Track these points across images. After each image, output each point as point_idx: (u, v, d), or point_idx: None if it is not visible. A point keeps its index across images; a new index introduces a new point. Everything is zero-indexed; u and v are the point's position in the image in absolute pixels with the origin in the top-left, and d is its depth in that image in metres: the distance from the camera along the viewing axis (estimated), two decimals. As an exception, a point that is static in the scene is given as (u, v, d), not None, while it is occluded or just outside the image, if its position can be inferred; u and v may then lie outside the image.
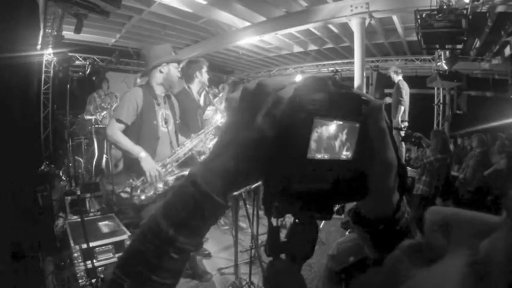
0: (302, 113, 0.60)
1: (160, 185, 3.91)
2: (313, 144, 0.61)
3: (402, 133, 9.21)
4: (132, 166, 3.88)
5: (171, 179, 4.00)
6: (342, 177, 0.66)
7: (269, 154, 0.61)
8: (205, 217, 0.67)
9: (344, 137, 0.64)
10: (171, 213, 0.67)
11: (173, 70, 4.17)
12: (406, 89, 9.69)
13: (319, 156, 0.63)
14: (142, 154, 3.80)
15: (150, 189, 3.87)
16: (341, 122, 0.63)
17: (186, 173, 4.01)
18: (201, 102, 6.03)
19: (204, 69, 5.56)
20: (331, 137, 0.62)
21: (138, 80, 5.07)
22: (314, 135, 0.61)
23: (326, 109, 0.61)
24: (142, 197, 3.84)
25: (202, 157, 4.54)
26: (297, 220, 0.76)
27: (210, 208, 0.66)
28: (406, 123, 9.91)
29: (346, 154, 0.66)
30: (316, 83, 0.63)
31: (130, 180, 3.84)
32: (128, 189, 3.83)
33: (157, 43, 4.66)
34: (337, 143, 0.63)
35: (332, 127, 0.62)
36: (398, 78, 9.97)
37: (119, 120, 3.86)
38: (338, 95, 0.63)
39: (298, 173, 0.62)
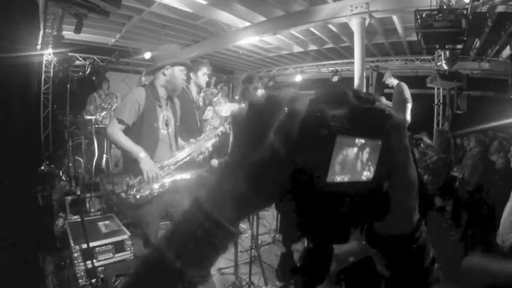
0: (323, 129, 0.55)
1: (156, 187, 3.90)
2: (333, 166, 0.57)
3: None
4: (131, 166, 3.87)
5: (167, 181, 4.00)
6: (362, 200, 0.62)
7: (283, 176, 0.57)
8: (217, 247, 0.61)
9: (366, 156, 0.59)
10: (178, 243, 0.62)
11: (177, 73, 4.10)
12: (407, 89, 9.75)
13: (339, 178, 0.58)
14: (141, 154, 3.78)
15: (146, 189, 3.86)
16: (363, 140, 0.59)
17: (183, 176, 4.02)
18: (201, 102, 6.01)
19: (202, 72, 5.54)
20: (352, 157, 0.58)
21: (143, 79, 5.05)
22: (335, 156, 0.56)
23: (348, 126, 0.56)
24: (138, 196, 3.83)
25: (201, 157, 4.54)
26: (311, 244, 0.72)
27: (222, 237, 0.61)
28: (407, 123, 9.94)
29: (367, 174, 0.60)
30: (336, 95, 0.59)
31: (127, 178, 3.83)
32: (125, 187, 3.83)
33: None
34: (358, 163, 0.59)
35: (354, 146, 0.58)
36: (396, 81, 10.01)
37: (120, 120, 3.84)
38: (360, 109, 0.59)
39: (316, 198, 0.58)
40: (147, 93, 4.00)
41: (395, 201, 0.63)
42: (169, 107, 4.27)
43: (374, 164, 0.60)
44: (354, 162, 0.58)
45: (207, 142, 4.47)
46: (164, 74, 4.06)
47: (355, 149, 0.58)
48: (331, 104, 0.57)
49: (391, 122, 0.60)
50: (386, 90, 11.73)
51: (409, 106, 9.67)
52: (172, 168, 4.04)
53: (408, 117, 9.73)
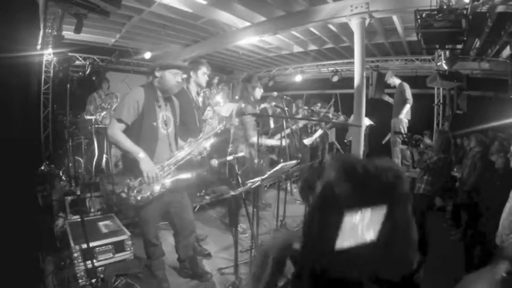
0: (333, 209, 0.59)
1: (157, 187, 3.93)
2: (341, 235, 0.60)
3: (400, 137, 9.29)
4: (131, 166, 3.88)
5: (168, 181, 4.02)
6: (368, 260, 0.65)
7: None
8: None
9: (371, 221, 0.64)
10: None
11: (168, 76, 4.12)
12: (409, 89, 9.77)
13: (346, 244, 0.62)
14: (141, 155, 3.80)
15: (147, 190, 3.88)
16: (369, 209, 0.62)
17: (183, 176, 4.03)
18: (200, 103, 6.01)
19: (202, 71, 5.54)
20: (358, 224, 0.62)
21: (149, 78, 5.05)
22: (343, 227, 0.60)
23: (356, 200, 0.60)
24: (139, 198, 3.86)
25: (199, 157, 4.55)
26: None
27: None
28: (407, 122, 9.96)
29: (371, 237, 0.65)
30: (345, 173, 0.62)
31: (128, 180, 3.85)
32: (125, 189, 3.84)
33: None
34: (364, 228, 0.63)
35: (361, 215, 0.61)
36: (398, 80, 10.03)
37: (119, 120, 3.86)
38: (367, 182, 0.62)
39: (327, 265, 0.61)
40: (146, 93, 4.02)
41: (396, 256, 0.66)
42: (168, 107, 4.30)
43: (378, 227, 0.64)
44: (359, 228, 0.62)
45: (205, 142, 4.48)
46: (155, 76, 4.11)
47: (361, 217, 0.61)
48: (341, 183, 0.60)
49: (396, 194, 0.63)
50: (387, 90, 11.79)
51: (408, 107, 9.72)
52: (172, 168, 4.07)
53: (402, 116, 9.76)
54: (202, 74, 5.56)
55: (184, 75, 4.51)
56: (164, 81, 4.12)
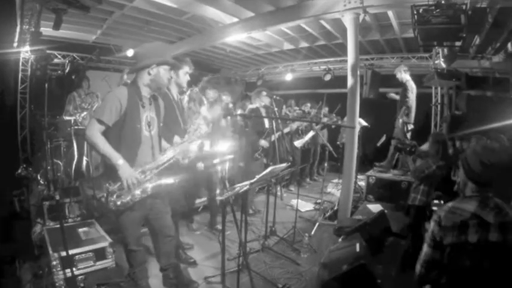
0: None
1: (138, 192, 3.92)
2: None
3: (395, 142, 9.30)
4: (111, 170, 3.86)
5: (149, 186, 4.02)
6: None
7: None
8: None
9: None
10: None
11: (163, 72, 4.13)
12: (414, 91, 9.79)
13: None
14: (120, 162, 3.79)
15: (127, 195, 3.88)
16: None
17: (165, 181, 4.03)
18: (186, 103, 5.97)
19: (183, 70, 5.47)
20: None
21: (125, 77, 4.99)
22: None
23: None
24: (118, 203, 3.86)
25: (187, 160, 4.55)
26: None
27: None
28: (412, 126, 10.03)
29: None
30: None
31: (107, 185, 3.84)
32: (105, 194, 3.83)
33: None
34: None
35: None
36: (406, 78, 10.03)
37: (99, 121, 3.82)
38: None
39: None
40: (129, 92, 3.99)
41: None
42: (152, 107, 4.28)
43: None
44: None
45: (191, 144, 4.48)
46: (149, 73, 4.07)
47: None
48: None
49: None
50: (384, 89, 11.80)
51: (403, 109, 9.71)
52: (154, 172, 4.07)
53: (400, 119, 9.78)
54: (184, 74, 5.50)
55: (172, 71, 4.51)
56: (159, 79, 4.12)
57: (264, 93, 8.38)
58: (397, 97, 10.53)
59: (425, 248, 2.97)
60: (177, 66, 4.56)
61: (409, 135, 9.96)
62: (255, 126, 8.18)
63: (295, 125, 10.31)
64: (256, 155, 8.05)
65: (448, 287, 2.88)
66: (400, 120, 9.84)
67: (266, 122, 8.41)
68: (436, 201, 5.72)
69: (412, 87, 9.94)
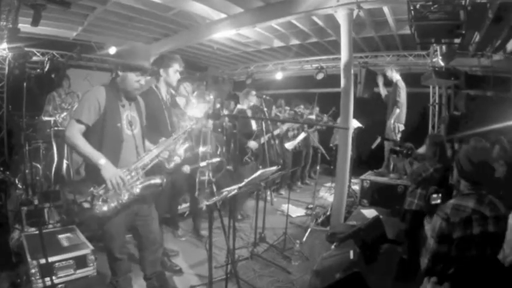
0: None
1: (124, 194, 3.89)
2: None
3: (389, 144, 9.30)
4: (94, 173, 3.81)
5: (137, 187, 3.99)
6: None
7: None
8: None
9: None
10: None
11: (130, 77, 4.06)
12: (404, 91, 9.79)
13: None
14: (102, 161, 3.74)
15: (114, 198, 3.84)
16: None
17: (154, 181, 4.01)
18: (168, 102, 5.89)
19: (174, 68, 5.40)
20: None
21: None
22: None
23: None
24: (105, 208, 3.80)
25: (172, 164, 4.54)
26: None
27: None
28: (402, 126, 10.05)
29: None
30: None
31: (92, 189, 3.78)
32: (89, 199, 3.80)
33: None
34: None
35: None
36: (396, 77, 10.03)
37: (79, 121, 3.80)
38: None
39: None
40: (107, 91, 3.99)
41: None
42: (133, 107, 4.28)
43: None
44: None
45: (177, 145, 4.47)
46: (118, 75, 4.07)
47: None
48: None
49: None
50: (377, 90, 11.80)
51: (397, 111, 9.72)
52: (141, 173, 4.05)
53: (392, 120, 9.79)
54: (174, 72, 5.42)
55: (148, 77, 4.45)
56: (125, 83, 4.07)
57: (253, 92, 8.37)
58: (385, 92, 10.55)
59: (432, 243, 3.38)
60: (147, 71, 4.41)
61: (399, 136, 9.99)
62: (242, 129, 8.15)
63: (285, 127, 10.31)
64: (246, 158, 8.04)
65: (456, 276, 3.29)
66: (392, 121, 9.83)
67: (253, 123, 8.41)
68: (434, 195, 5.70)
69: (403, 86, 9.98)
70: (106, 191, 3.81)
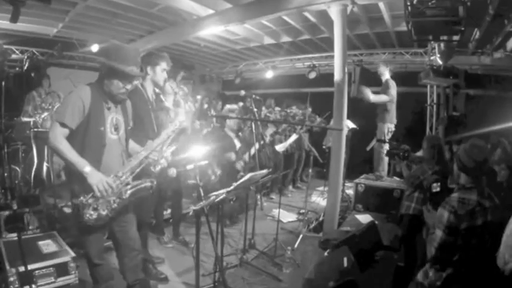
0: None
1: (114, 199, 3.85)
2: None
3: (387, 146, 9.28)
4: (77, 178, 3.77)
5: (127, 192, 3.95)
6: None
7: None
8: None
9: None
10: None
11: (115, 85, 4.00)
12: (394, 89, 9.78)
13: None
14: (87, 169, 3.70)
15: (103, 205, 3.80)
16: None
17: (144, 185, 4.00)
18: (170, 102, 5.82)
19: (161, 67, 5.40)
20: None
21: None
22: None
23: None
24: (94, 216, 3.76)
25: (158, 168, 4.52)
26: None
27: None
28: (393, 128, 10.02)
29: None
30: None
31: (81, 198, 3.72)
32: (72, 202, 3.78)
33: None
34: None
35: None
36: (386, 76, 10.04)
37: (62, 124, 3.74)
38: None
39: None
40: (93, 91, 3.93)
41: None
42: (119, 109, 4.23)
43: None
44: None
45: (164, 147, 4.44)
46: (104, 78, 4.01)
47: None
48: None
49: None
50: (372, 89, 11.82)
51: (384, 109, 9.69)
52: (130, 178, 4.01)
53: (383, 120, 9.77)
54: (161, 71, 5.43)
55: (136, 82, 4.41)
56: (110, 86, 4.00)
57: (243, 92, 8.37)
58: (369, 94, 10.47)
59: (441, 234, 3.75)
60: (132, 77, 4.33)
61: (388, 138, 9.88)
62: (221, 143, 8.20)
63: (270, 131, 10.30)
64: (242, 174, 8.07)
65: (461, 261, 3.78)
66: (387, 125, 9.82)
67: (237, 142, 8.48)
68: (434, 184, 5.71)
69: (393, 85, 9.99)
70: (95, 199, 3.77)
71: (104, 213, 3.81)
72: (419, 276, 4.14)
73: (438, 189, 5.31)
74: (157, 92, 5.62)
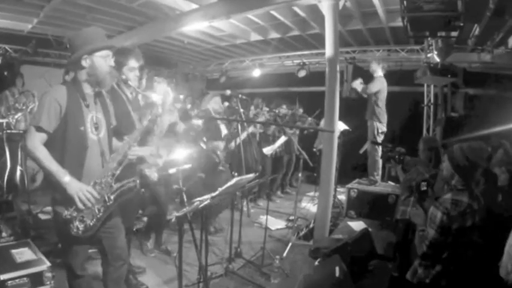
0: None
1: (99, 208, 3.81)
2: None
3: (380, 148, 9.30)
4: (50, 182, 3.71)
5: (111, 197, 3.89)
6: None
7: None
8: None
9: None
10: None
11: (99, 62, 3.91)
12: (381, 84, 9.88)
13: None
14: (66, 179, 3.63)
15: (89, 216, 3.75)
16: None
17: (128, 185, 3.98)
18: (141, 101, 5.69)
19: (128, 67, 5.24)
20: None
21: (66, 77, 4.83)
22: None
23: None
24: (81, 228, 3.72)
25: (145, 165, 4.51)
26: None
27: None
28: (384, 128, 10.07)
29: None
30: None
31: (65, 212, 3.66)
32: (48, 209, 3.77)
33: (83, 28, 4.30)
34: None
35: None
36: (379, 73, 10.06)
37: (39, 129, 3.67)
38: None
39: None
40: (68, 91, 3.86)
41: None
42: (99, 107, 4.17)
43: None
44: None
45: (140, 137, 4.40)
46: (83, 66, 3.90)
47: None
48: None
49: None
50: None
51: (375, 109, 9.70)
52: (111, 181, 3.95)
53: (372, 119, 9.78)
54: (130, 71, 5.26)
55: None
56: (95, 70, 3.90)
57: (228, 91, 8.37)
58: (361, 87, 10.43)
59: (433, 234, 4.06)
60: (114, 47, 4.25)
61: (379, 139, 9.99)
62: (208, 133, 8.17)
63: (250, 129, 10.24)
64: (221, 167, 8.06)
65: (450, 259, 4.07)
66: (373, 122, 9.85)
67: (223, 128, 8.44)
68: (423, 183, 5.73)
69: (381, 83, 10.02)
70: (79, 212, 3.72)
71: (91, 223, 3.77)
72: (408, 275, 4.38)
73: (425, 188, 5.36)
74: (138, 92, 5.56)
